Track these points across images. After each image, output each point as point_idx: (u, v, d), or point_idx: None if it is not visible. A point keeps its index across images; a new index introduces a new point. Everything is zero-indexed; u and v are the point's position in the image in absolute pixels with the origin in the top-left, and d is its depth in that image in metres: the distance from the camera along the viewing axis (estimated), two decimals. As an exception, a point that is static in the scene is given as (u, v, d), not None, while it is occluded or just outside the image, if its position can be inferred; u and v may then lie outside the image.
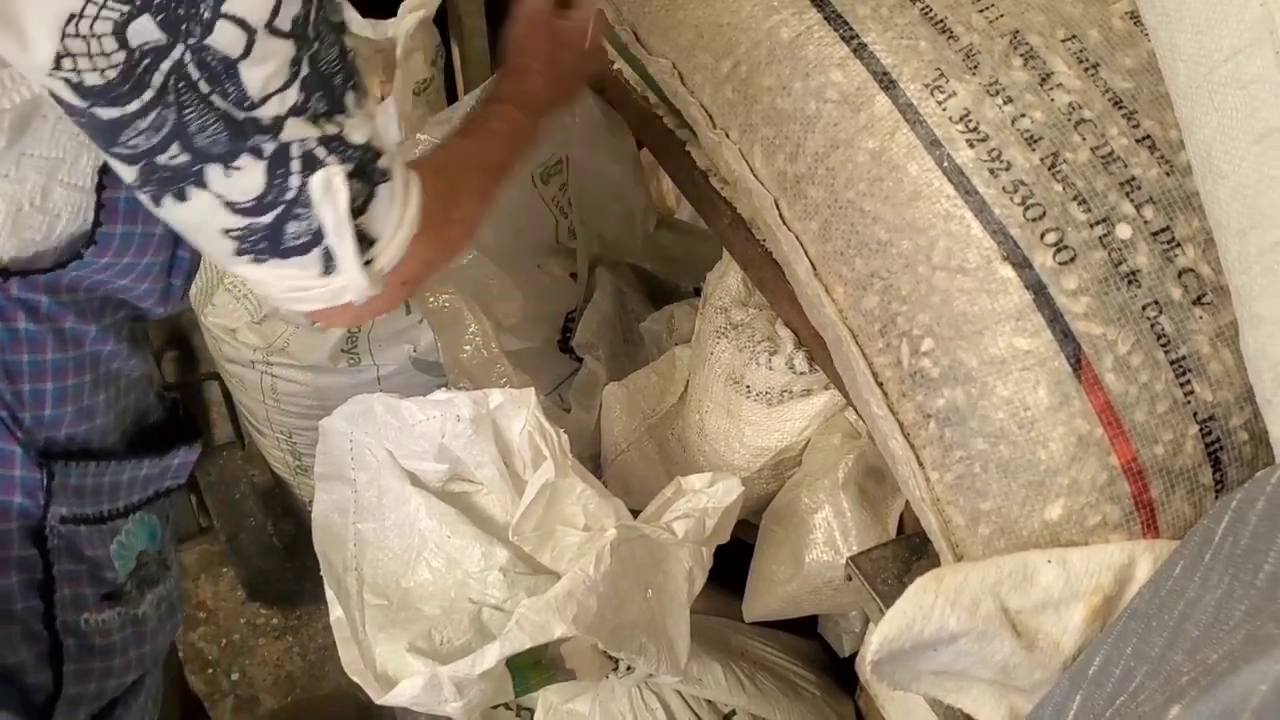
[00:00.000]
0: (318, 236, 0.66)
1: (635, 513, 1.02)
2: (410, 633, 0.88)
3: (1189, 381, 0.73)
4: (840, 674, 1.23)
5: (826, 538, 0.98)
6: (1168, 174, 0.76)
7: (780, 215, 0.88)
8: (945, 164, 0.79)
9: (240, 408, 1.79)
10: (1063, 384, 0.74)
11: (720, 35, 0.94)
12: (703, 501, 0.93)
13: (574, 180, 1.41)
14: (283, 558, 1.83)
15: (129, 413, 0.82)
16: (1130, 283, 0.74)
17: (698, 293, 1.69)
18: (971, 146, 0.78)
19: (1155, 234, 0.74)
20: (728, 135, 0.93)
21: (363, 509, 0.97)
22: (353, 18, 1.46)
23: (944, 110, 0.80)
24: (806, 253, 0.86)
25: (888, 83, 0.83)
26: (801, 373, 1.04)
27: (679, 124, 1.16)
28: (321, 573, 0.94)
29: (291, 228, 0.65)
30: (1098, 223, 0.75)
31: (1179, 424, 0.73)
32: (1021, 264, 0.75)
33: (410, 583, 0.95)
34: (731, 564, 1.10)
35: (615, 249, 1.51)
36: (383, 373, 1.67)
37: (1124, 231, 0.74)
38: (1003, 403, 0.75)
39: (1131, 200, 0.75)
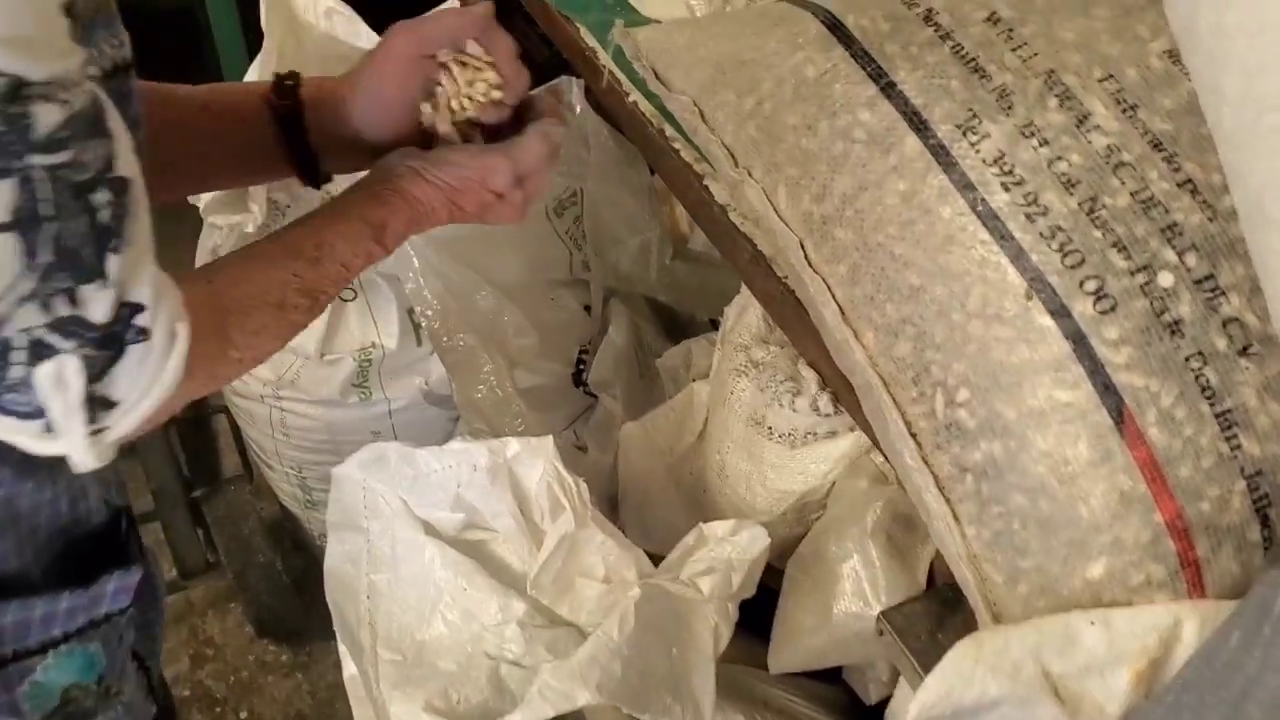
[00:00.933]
0: (39, 413, 0.58)
1: (654, 557, 1.00)
2: (426, 691, 0.86)
3: (1235, 435, 0.71)
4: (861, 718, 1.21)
5: (855, 588, 0.96)
6: (1210, 219, 0.74)
7: (806, 257, 0.86)
8: (979, 208, 0.77)
9: (249, 441, 1.78)
10: (1104, 438, 0.72)
11: (743, 72, 0.93)
12: (727, 551, 0.91)
13: (588, 213, 1.40)
14: (291, 593, 1.82)
15: (47, 542, 0.74)
16: (1173, 333, 0.72)
17: (714, 324, 1.68)
18: (1007, 190, 0.77)
19: (1198, 282, 0.73)
20: (750, 174, 0.92)
21: (376, 559, 0.95)
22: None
23: (977, 152, 0.78)
24: (834, 296, 0.84)
25: (918, 123, 0.81)
26: (826, 414, 1.02)
27: (697, 157, 1.15)
28: (334, 627, 0.92)
29: (11, 397, 0.57)
30: (1139, 270, 0.73)
31: (1225, 479, 0.71)
32: (1060, 312, 0.73)
33: (425, 636, 0.94)
34: (754, 608, 1.08)
35: (630, 281, 1.50)
36: (394, 406, 1.66)
37: (1166, 279, 0.73)
38: (1042, 456, 0.73)
39: (1173, 246, 0.73)
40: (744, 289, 1.23)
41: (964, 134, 0.79)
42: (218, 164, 0.92)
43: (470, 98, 0.87)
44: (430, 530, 0.96)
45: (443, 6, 0.97)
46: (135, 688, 0.79)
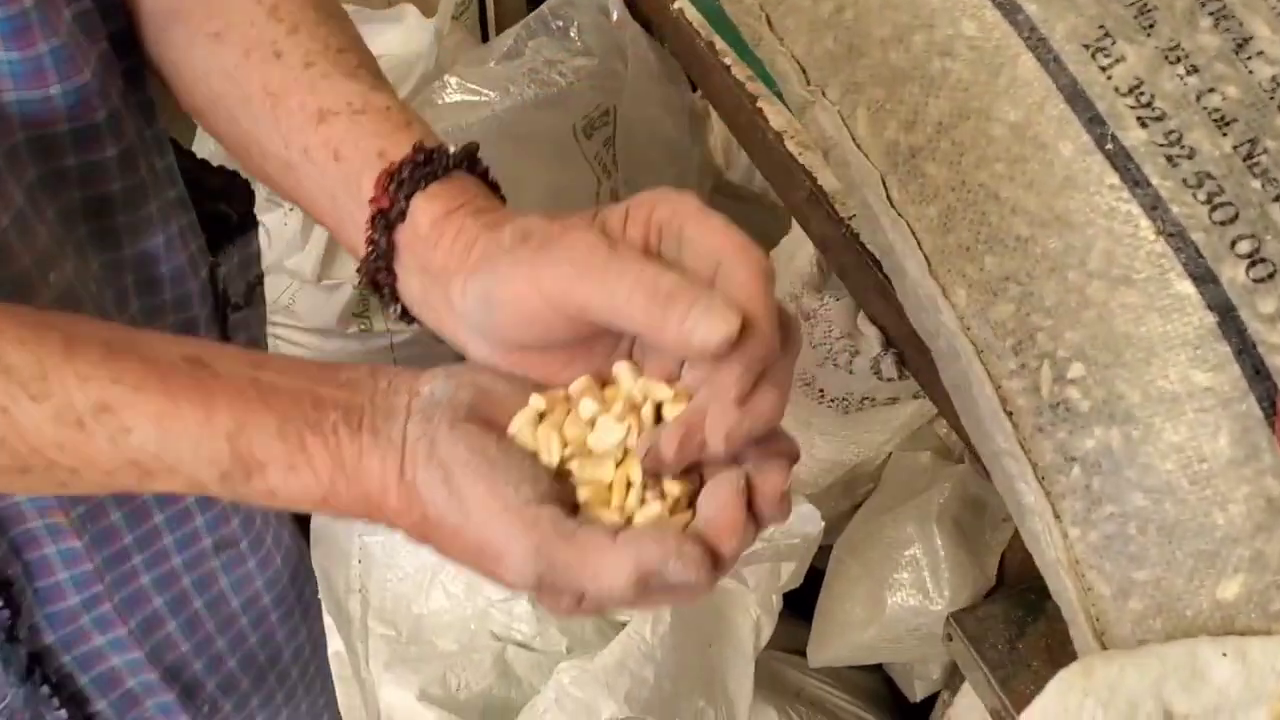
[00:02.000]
0: None
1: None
2: (422, 675, 0.77)
3: None
4: (905, 715, 1.12)
5: (914, 579, 0.86)
6: (1397, 172, 0.62)
7: (888, 195, 0.75)
8: (1109, 146, 0.66)
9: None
10: (1251, 432, 0.61)
11: (821, -27, 0.81)
12: (770, 530, 0.81)
13: (621, 135, 1.28)
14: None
15: None
16: (1346, 309, 0.61)
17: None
18: (1144, 126, 0.66)
19: (1379, 248, 0.61)
20: (824, 94, 0.80)
21: (370, 519, 0.85)
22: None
23: (1109, 79, 0.67)
24: (920, 244, 0.73)
25: (1036, 40, 0.70)
26: (889, 379, 0.91)
27: (750, 75, 1.04)
28: (319, 594, 0.82)
29: None
30: (1306, 230, 0.61)
31: (1396, 488, 0.60)
32: (1204, 278, 0.62)
33: (424, 609, 0.84)
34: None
35: (663, 214, 1.38)
36: (396, 340, 1.56)
37: (1340, 243, 0.61)
38: (1171, 450, 0.62)
39: (1350, 203, 0.62)
40: (794, 230, 1.12)
41: (1093, 56, 0.68)
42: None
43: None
44: (433, 489, 0.85)
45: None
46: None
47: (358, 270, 0.54)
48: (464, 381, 0.49)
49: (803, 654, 1.02)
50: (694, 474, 0.49)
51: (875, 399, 0.94)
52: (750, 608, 0.75)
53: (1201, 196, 0.63)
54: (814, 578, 1.00)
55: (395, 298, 0.54)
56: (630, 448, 0.48)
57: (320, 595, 0.83)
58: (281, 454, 0.47)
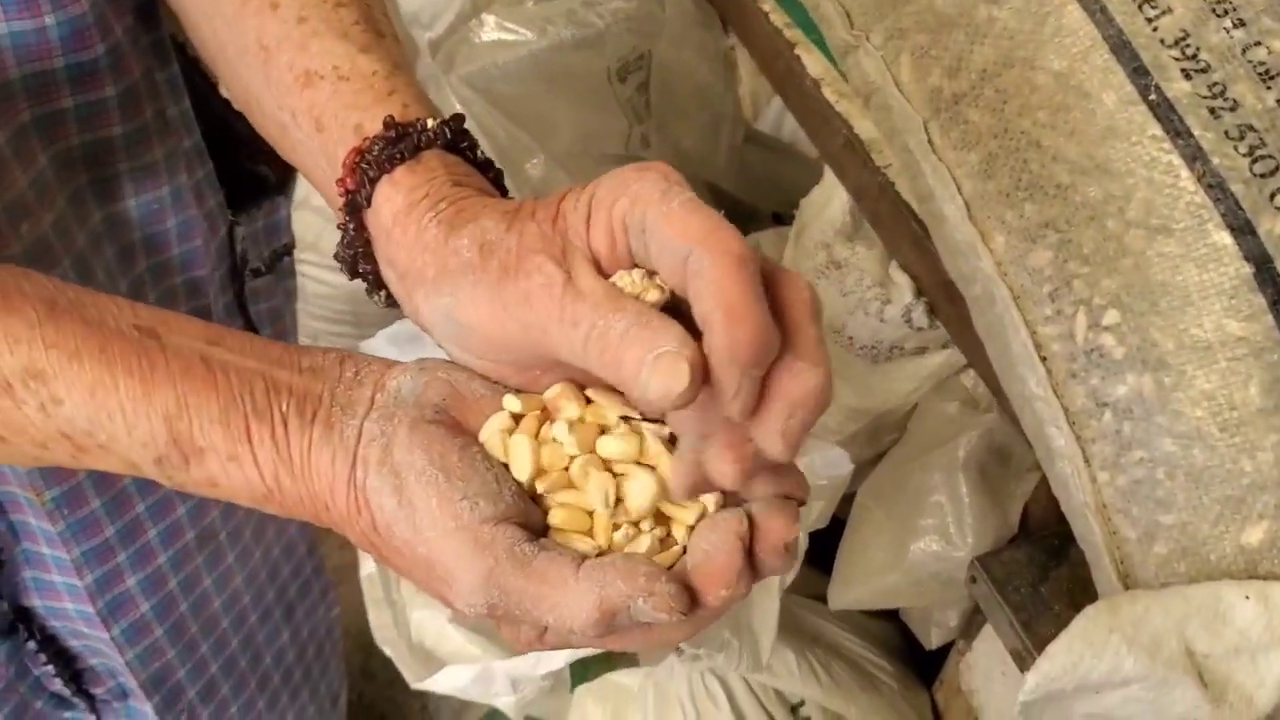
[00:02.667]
0: None
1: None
2: (452, 600, 0.78)
3: None
4: (918, 663, 1.14)
5: (938, 525, 0.88)
6: None
7: (930, 141, 0.76)
8: (1152, 96, 0.67)
9: (262, 306, 1.69)
10: (1282, 382, 0.62)
11: (869, -82, 0.81)
12: (803, 461, 0.82)
13: (656, 80, 1.28)
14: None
15: None
16: (1381, 263, 0.62)
17: (776, 219, 1.57)
18: (1188, 78, 0.66)
19: None
20: (868, 39, 0.81)
21: (403, 447, 0.87)
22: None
23: (1154, 30, 0.68)
24: (960, 189, 0.74)
25: (1083, -10, 0.70)
26: (919, 328, 0.92)
27: (788, 22, 1.04)
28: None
29: None
30: (1346, 185, 0.62)
31: None
32: (1242, 229, 0.63)
33: (453, 538, 0.85)
34: (811, 533, 1.00)
35: (692, 163, 1.39)
36: (421, 279, 1.57)
37: (1379, 199, 0.62)
38: (1203, 398, 0.64)
39: (1390, 159, 0.63)
40: (826, 178, 1.13)
41: (1139, 7, 0.69)
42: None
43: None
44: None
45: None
46: None
47: (335, 257, 0.50)
48: (436, 378, 0.45)
49: (822, 600, 1.04)
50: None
51: (904, 348, 0.96)
52: (777, 544, 0.77)
53: (1243, 149, 0.64)
54: (835, 526, 1.02)
55: (380, 284, 0.50)
56: (619, 470, 0.43)
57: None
58: (222, 441, 0.43)
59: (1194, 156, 0.65)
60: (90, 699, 0.75)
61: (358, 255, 0.49)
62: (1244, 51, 0.66)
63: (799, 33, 1.03)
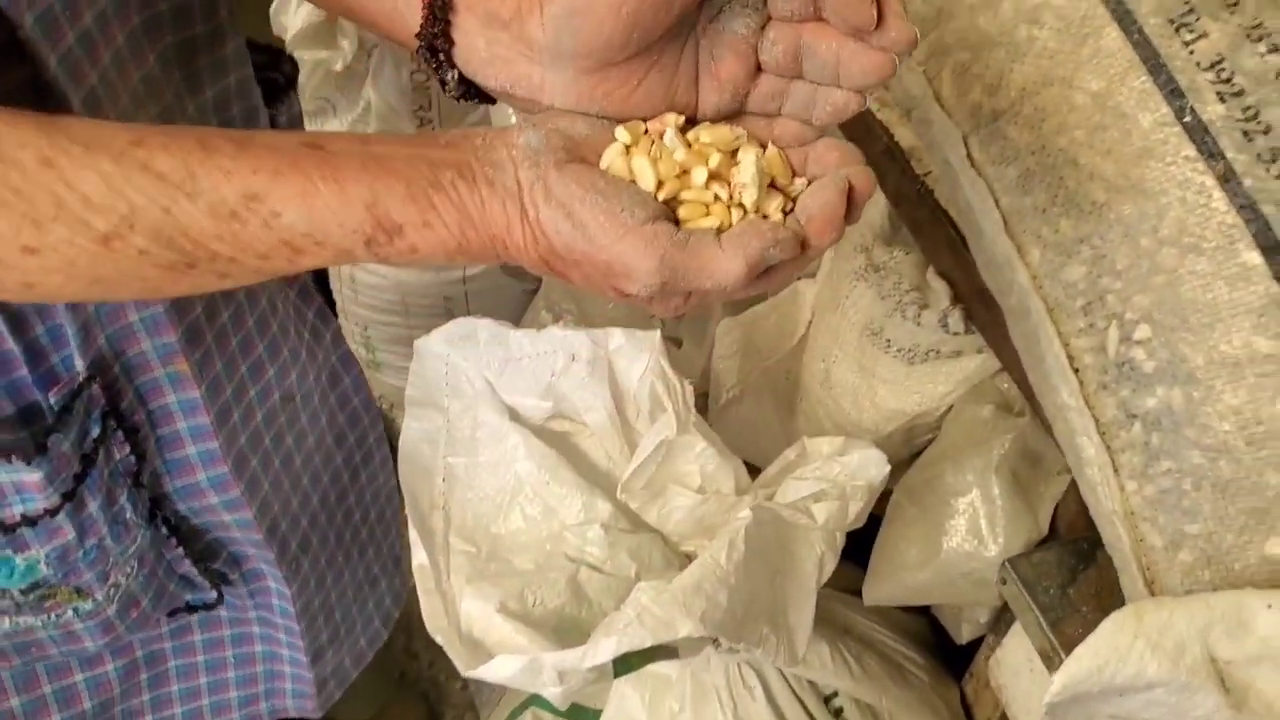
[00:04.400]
0: None
1: (746, 464, 0.93)
2: (501, 589, 0.81)
3: None
4: (948, 657, 1.15)
5: (970, 525, 0.89)
6: None
7: (969, 155, 0.78)
8: (1187, 118, 0.68)
9: (313, 294, 1.72)
10: (1309, 398, 0.63)
11: (914, -63, 0.83)
12: (835, 472, 0.85)
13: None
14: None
15: None
16: None
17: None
18: (1222, 101, 0.67)
19: None
20: (911, 54, 0.82)
21: (455, 441, 0.90)
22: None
23: (1191, 54, 0.69)
24: (998, 203, 0.76)
25: (1122, 13, 0.72)
26: (955, 332, 0.93)
27: (833, 32, 1.05)
28: (406, 510, 0.87)
29: None
30: (1375, 209, 0.64)
31: None
32: (1273, 250, 0.65)
33: (502, 529, 0.88)
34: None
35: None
36: (469, 273, 1.60)
37: (1407, 222, 0.63)
38: (1230, 412, 0.65)
39: None
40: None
41: (1177, 30, 0.70)
42: None
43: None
44: (515, 417, 0.90)
45: None
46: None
47: (416, 37, 0.55)
48: (551, 129, 0.53)
49: (857, 594, 1.06)
50: (783, 194, 0.54)
51: (940, 351, 0.97)
52: (816, 544, 0.79)
53: (1275, 171, 0.65)
54: (870, 522, 1.04)
55: (452, 64, 0.56)
56: (717, 170, 0.53)
57: (407, 510, 0.88)
58: (415, 214, 0.51)
59: (1226, 178, 0.66)
60: (213, 576, 0.82)
61: (438, 35, 0.55)
62: (1278, 76, 0.67)
63: (843, 41, 1.04)
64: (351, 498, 0.94)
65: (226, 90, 0.72)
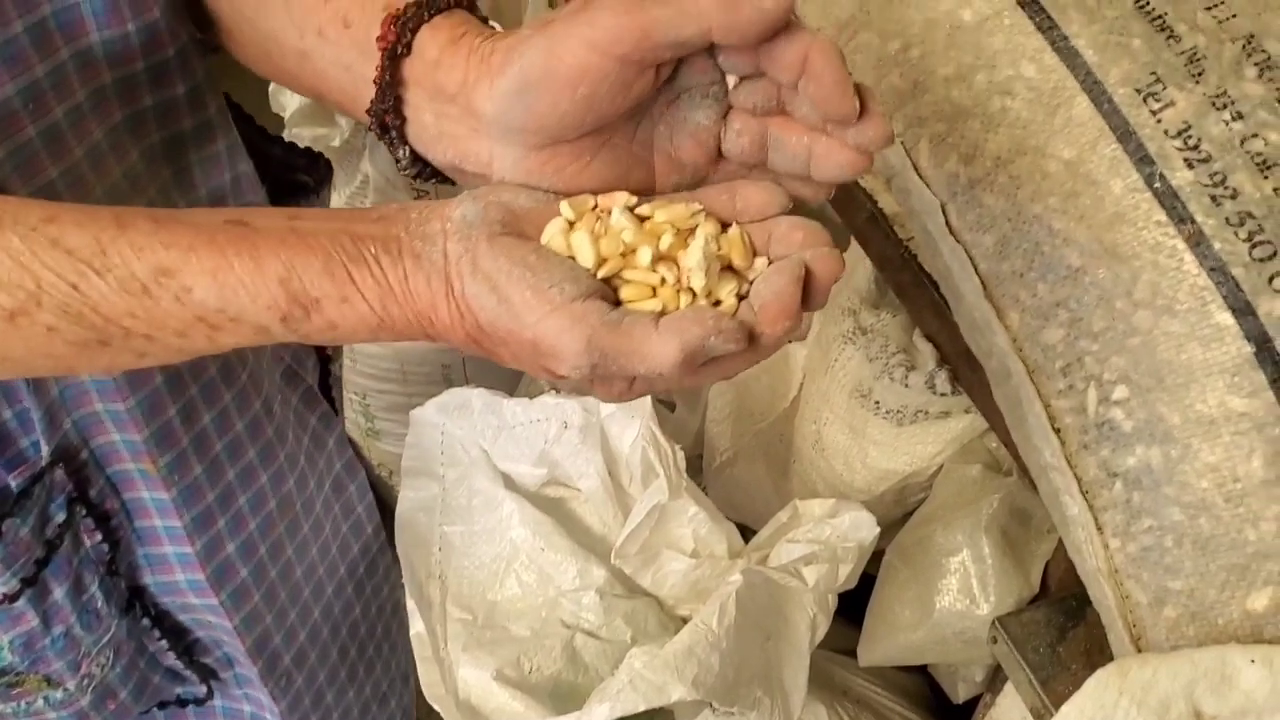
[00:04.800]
0: None
1: (740, 527, 0.94)
2: (497, 657, 0.82)
3: None
4: (945, 716, 1.16)
5: (962, 584, 0.90)
6: None
7: (948, 223, 0.80)
8: (1157, 184, 0.70)
9: (312, 364, 1.74)
10: (1283, 455, 0.65)
11: (890, 12, 0.85)
12: (826, 534, 0.86)
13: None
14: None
15: None
16: (1375, 344, 0.64)
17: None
18: (1190, 167, 0.69)
19: None
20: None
21: (450, 510, 0.91)
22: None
23: (1159, 122, 0.71)
24: (977, 269, 0.78)
25: (1091, 84, 0.74)
26: (943, 394, 0.95)
27: (817, 102, 1.08)
28: (403, 579, 0.88)
29: None
30: (1341, 269, 0.65)
31: None
32: (1243, 310, 0.66)
33: (498, 596, 0.89)
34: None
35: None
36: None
37: (1372, 282, 0.65)
38: (1207, 470, 0.66)
39: (1383, 245, 0.66)
40: (853, 248, 1.16)
41: (1144, 100, 0.72)
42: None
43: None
44: (510, 484, 0.91)
45: None
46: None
47: (367, 113, 0.55)
48: (490, 202, 0.51)
49: (852, 654, 1.06)
50: (738, 277, 0.52)
51: (928, 412, 0.99)
52: (808, 606, 0.80)
53: (1243, 235, 0.67)
54: (865, 582, 1.05)
55: (404, 140, 0.56)
56: (667, 251, 0.51)
57: (404, 580, 0.89)
58: (332, 288, 0.50)
59: (1197, 242, 0.68)
60: (203, 671, 0.80)
61: (388, 110, 0.55)
62: (1242, 143, 0.69)
63: (826, 111, 1.07)
64: (357, 610, 0.92)
65: (222, 188, 0.72)
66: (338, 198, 1.48)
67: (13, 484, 0.64)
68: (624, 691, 0.67)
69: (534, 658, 0.83)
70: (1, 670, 0.69)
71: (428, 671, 0.82)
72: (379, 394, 1.69)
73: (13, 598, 0.66)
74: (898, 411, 1.00)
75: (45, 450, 0.65)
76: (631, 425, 0.86)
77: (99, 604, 0.71)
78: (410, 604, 0.86)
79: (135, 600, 0.75)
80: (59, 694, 0.72)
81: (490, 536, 0.90)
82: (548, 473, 0.91)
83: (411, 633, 0.85)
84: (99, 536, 0.70)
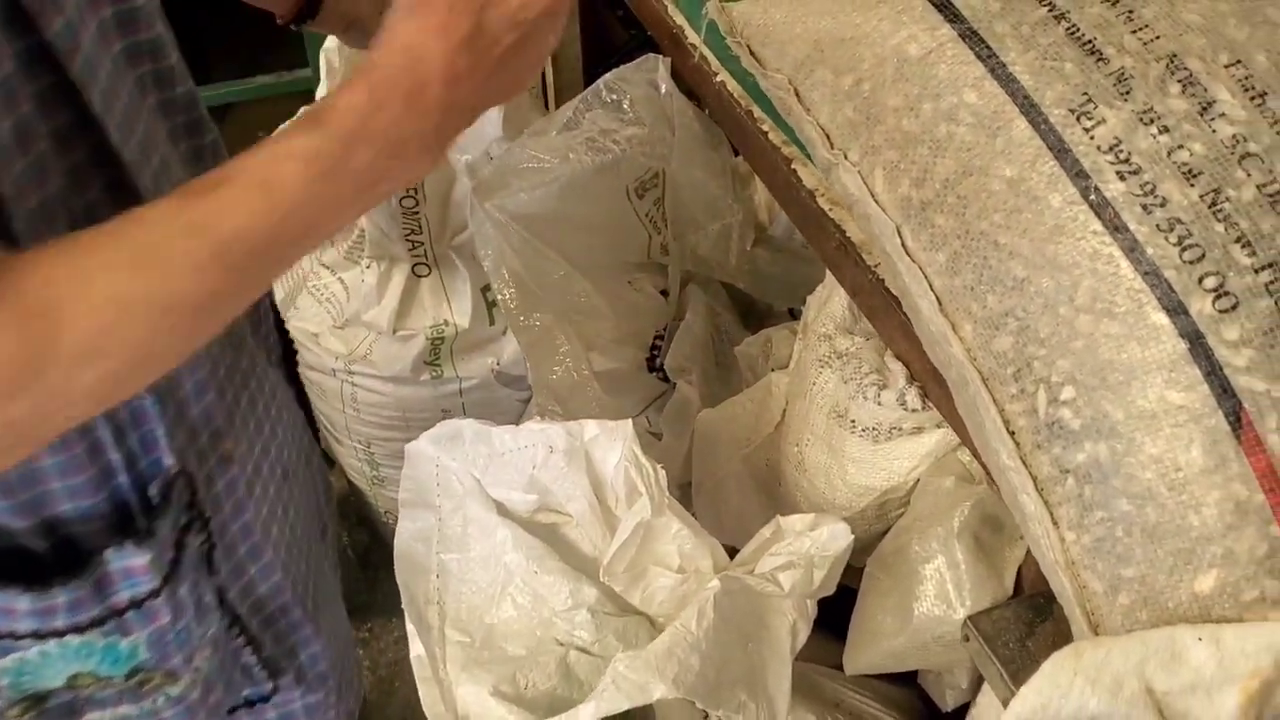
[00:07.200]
0: None
1: (728, 548, 0.97)
2: (494, 675, 0.84)
3: (1364, 446, 0.67)
4: (938, 727, 1.17)
5: (938, 590, 0.93)
6: (1344, 215, 0.70)
7: (903, 244, 0.83)
8: (1092, 197, 0.73)
9: (318, 415, 1.78)
10: (1220, 444, 0.68)
11: (842, 50, 0.90)
12: (806, 546, 0.89)
13: (669, 195, 1.37)
14: (356, 569, 1.81)
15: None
16: (1300, 335, 0.68)
17: (792, 314, 1.64)
18: (1122, 179, 0.73)
19: (1329, 282, 0.68)
20: (846, 157, 0.89)
21: (447, 538, 0.94)
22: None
23: (1092, 139, 0.75)
24: (931, 286, 0.81)
25: (1028, 106, 0.78)
26: (914, 410, 0.98)
27: (785, 140, 1.12)
28: (403, 605, 0.91)
29: None
30: (1264, 268, 0.69)
31: (1351, 493, 0.67)
32: (1176, 310, 0.69)
33: (494, 619, 0.92)
34: (829, 605, 1.05)
35: (708, 266, 1.47)
36: (465, 385, 1.65)
37: (1294, 278, 0.68)
38: (1151, 461, 0.69)
39: (1303, 243, 0.69)
40: (828, 276, 1.20)
41: (1077, 119, 0.76)
42: None
43: None
44: (503, 511, 0.94)
45: None
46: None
47: None
48: None
49: (841, 668, 1.09)
50: None
51: (902, 429, 1.02)
52: (787, 612, 0.83)
53: (1173, 239, 0.70)
54: (850, 596, 1.07)
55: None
56: None
57: (404, 606, 0.92)
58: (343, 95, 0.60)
59: (1131, 248, 0.71)
60: (270, 665, 0.86)
61: None
62: (1169, 154, 0.72)
63: (795, 149, 1.10)
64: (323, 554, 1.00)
65: (202, 117, 0.81)
66: (334, 251, 1.52)
67: (154, 492, 0.71)
68: (608, 691, 0.70)
69: (530, 674, 0.86)
70: (136, 668, 0.74)
71: (428, 692, 0.85)
72: (382, 442, 1.72)
73: (155, 594, 0.71)
74: (873, 429, 1.03)
75: (171, 459, 0.72)
76: (614, 448, 0.89)
77: (208, 597, 0.77)
78: (410, 628, 0.89)
79: (222, 596, 0.81)
80: (176, 689, 0.76)
81: (485, 562, 0.93)
82: (538, 498, 0.94)
83: (412, 655, 0.88)
84: (205, 535, 0.77)
